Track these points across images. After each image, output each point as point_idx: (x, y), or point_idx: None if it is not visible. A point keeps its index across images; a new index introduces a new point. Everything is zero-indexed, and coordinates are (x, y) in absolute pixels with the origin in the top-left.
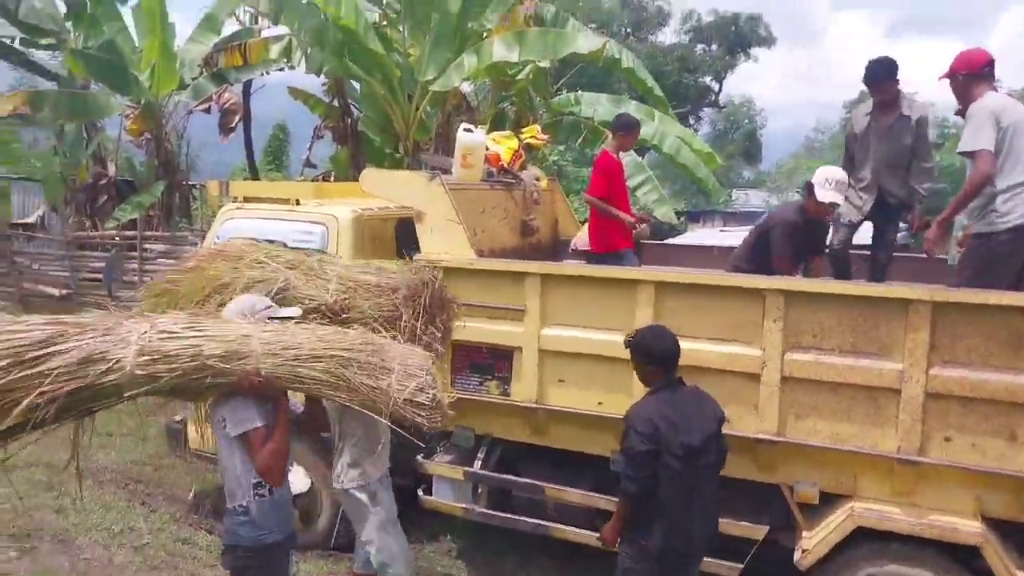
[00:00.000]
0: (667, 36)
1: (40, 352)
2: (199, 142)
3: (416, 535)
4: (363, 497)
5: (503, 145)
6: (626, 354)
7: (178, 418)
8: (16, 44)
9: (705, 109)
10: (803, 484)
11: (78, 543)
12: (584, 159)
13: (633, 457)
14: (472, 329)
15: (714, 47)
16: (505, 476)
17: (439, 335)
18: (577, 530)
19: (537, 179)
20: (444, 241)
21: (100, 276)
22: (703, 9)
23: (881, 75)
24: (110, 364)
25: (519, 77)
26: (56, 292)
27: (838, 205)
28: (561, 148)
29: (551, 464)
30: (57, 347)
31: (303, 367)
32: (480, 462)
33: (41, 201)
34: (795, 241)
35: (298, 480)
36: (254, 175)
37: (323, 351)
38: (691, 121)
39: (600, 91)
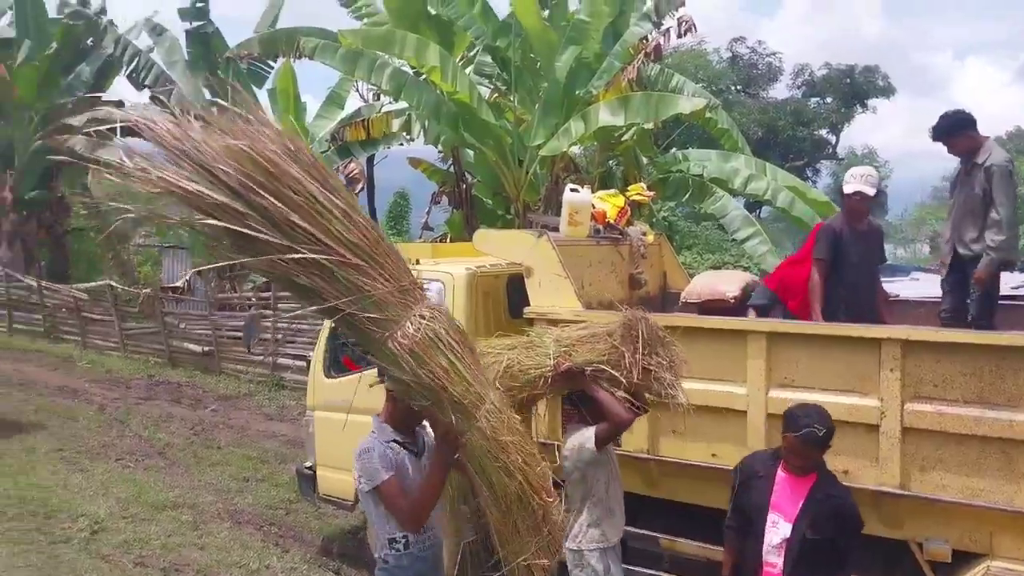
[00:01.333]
0: (779, 91)
1: None
2: None
3: None
4: (598, 564)
5: (609, 203)
6: (739, 404)
7: (308, 464)
8: None
9: (823, 162)
10: (934, 541)
11: None
12: (695, 215)
13: None
14: None
15: (828, 100)
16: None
17: (665, 363)
18: None
19: (643, 234)
20: (552, 295)
21: (239, 334)
22: (815, 63)
23: (945, 129)
24: None
25: (624, 138)
26: (199, 348)
27: (867, 196)
28: (671, 204)
29: (666, 514)
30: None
31: None
32: None
33: (188, 266)
34: (841, 249)
35: None
36: None
37: None
38: (808, 174)
39: (711, 147)
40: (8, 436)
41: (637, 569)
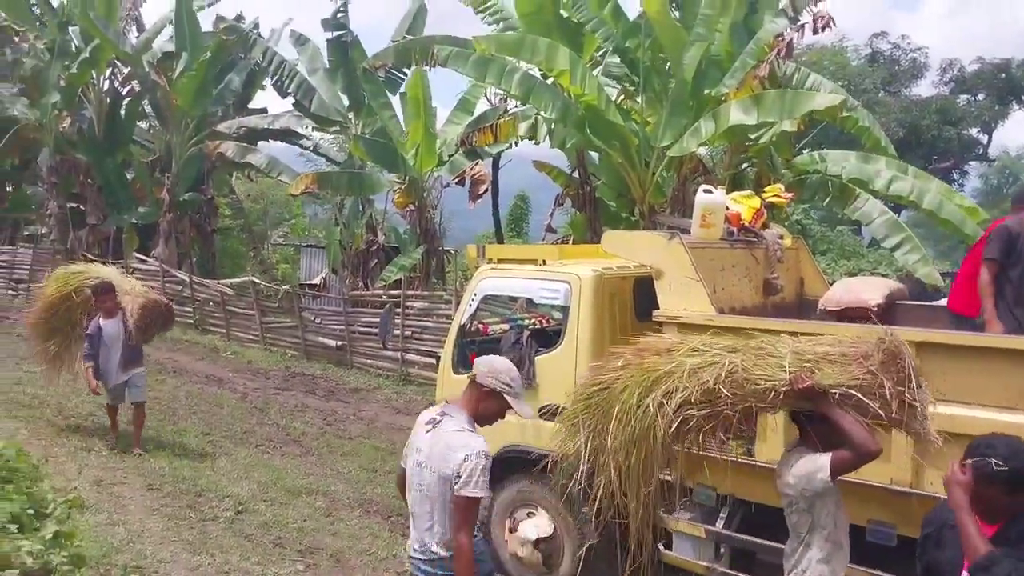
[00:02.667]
0: (923, 88)
1: None
2: (449, 211)
3: None
4: None
5: (744, 204)
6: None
7: None
8: (308, 131)
9: (972, 163)
10: None
11: (351, 563)
12: (830, 219)
13: None
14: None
15: (980, 97)
16: (750, 538)
17: (925, 398)
18: None
19: (780, 237)
20: (683, 298)
21: (370, 330)
22: (966, 58)
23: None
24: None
25: (761, 140)
26: (333, 343)
27: None
28: (806, 207)
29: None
30: None
31: None
32: (723, 521)
33: (324, 265)
34: (1017, 251)
35: (542, 524)
36: (499, 241)
37: None
38: (955, 176)
39: (849, 148)
40: (164, 420)
41: None
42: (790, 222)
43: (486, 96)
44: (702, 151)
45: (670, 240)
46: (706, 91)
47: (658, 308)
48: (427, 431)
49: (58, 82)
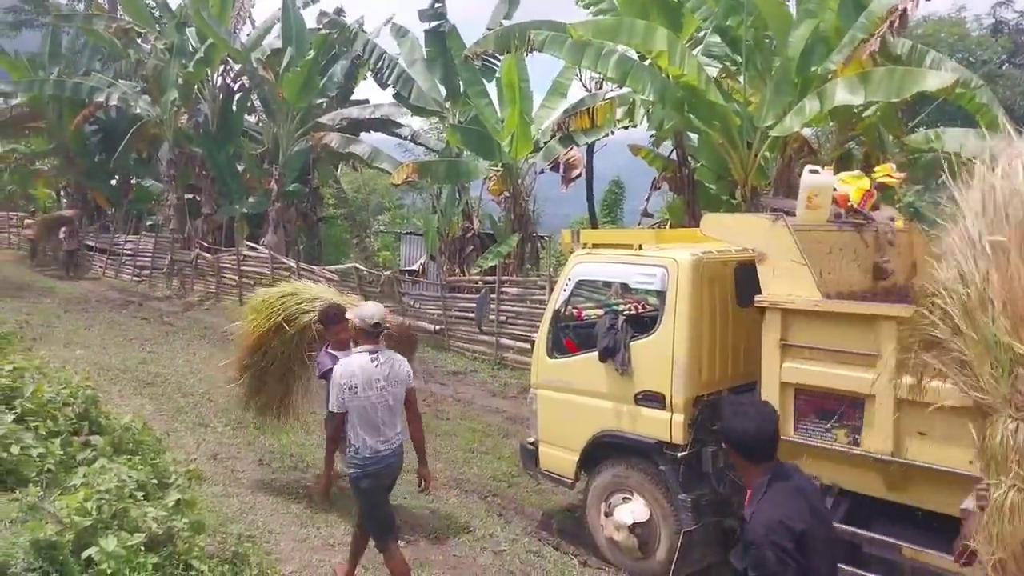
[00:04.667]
0: None
1: None
2: (542, 198)
3: None
4: None
5: (852, 185)
6: None
7: (531, 440)
8: (408, 119)
9: None
10: None
11: (448, 541)
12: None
13: None
14: (818, 374)
15: None
16: (856, 530)
17: None
18: None
19: (891, 219)
20: (788, 283)
21: (466, 314)
22: None
23: None
24: None
25: (866, 115)
26: (431, 327)
27: None
28: (918, 188)
29: (909, 522)
30: None
31: None
32: None
33: (423, 251)
34: None
35: (637, 509)
36: (593, 226)
37: None
38: None
39: (966, 125)
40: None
41: None
42: (902, 204)
43: (580, 80)
44: (807, 131)
45: (774, 222)
46: (812, 68)
47: (760, 293)
48: (375, 364)
49: (176, 80)
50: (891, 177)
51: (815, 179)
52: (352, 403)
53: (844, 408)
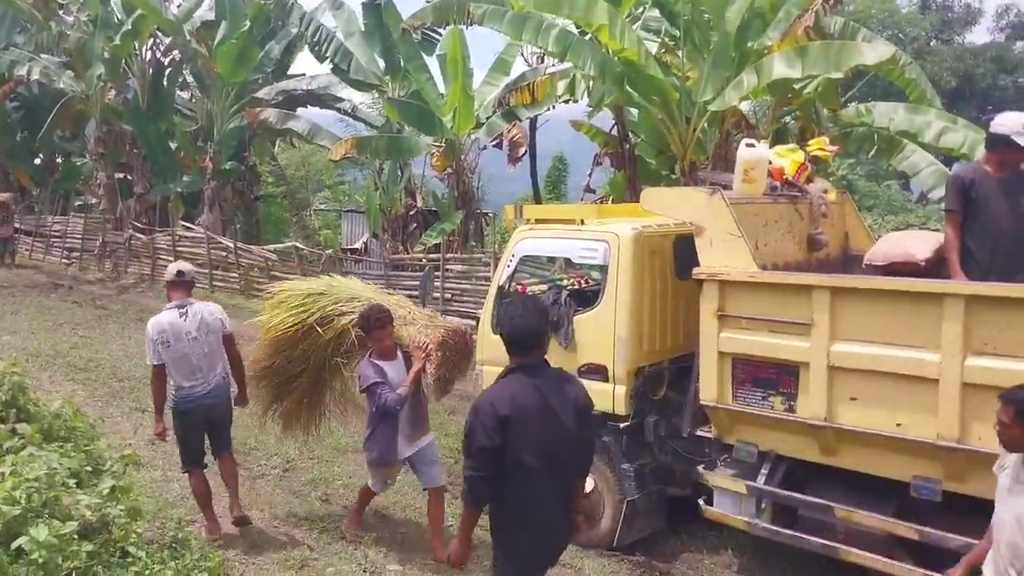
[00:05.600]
0: (978, 35)
1: None
2: (487, 175)
3: (696, 546)
4: None
5: (787, 158)
6: (930, 372)
7: None
8: (347, 95)
9: None
10: None
11: (395, 518)
12: (876, 174)
13: (474, 453)
14: (754, 343)
15: None
16: (792, 493)
17: None
18: (869, 554)
19: (825, 191)
20: (725, 255)
21: (410, 292)
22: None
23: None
24: None
25: (806, 91)
26: None
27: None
28: (851, 162)
29: (841, 484)
30: None
31: None
32: (764, 477)
33: (365, 229)
34: (980, 199)
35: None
36: (537, 203)
37: None
38: None
39: (896, 100)
40: None
41: (809, 538)
42: (835, 177)
43: (522, 55)
44: (745, 105)
45: (711, 196)
46: (749, 44)
47: (699, 266)
48: (183, 317)
49: (102, 54)
50: (824, 150)
51: (751, 153)
52: (166, 355)
53: (780, 376)
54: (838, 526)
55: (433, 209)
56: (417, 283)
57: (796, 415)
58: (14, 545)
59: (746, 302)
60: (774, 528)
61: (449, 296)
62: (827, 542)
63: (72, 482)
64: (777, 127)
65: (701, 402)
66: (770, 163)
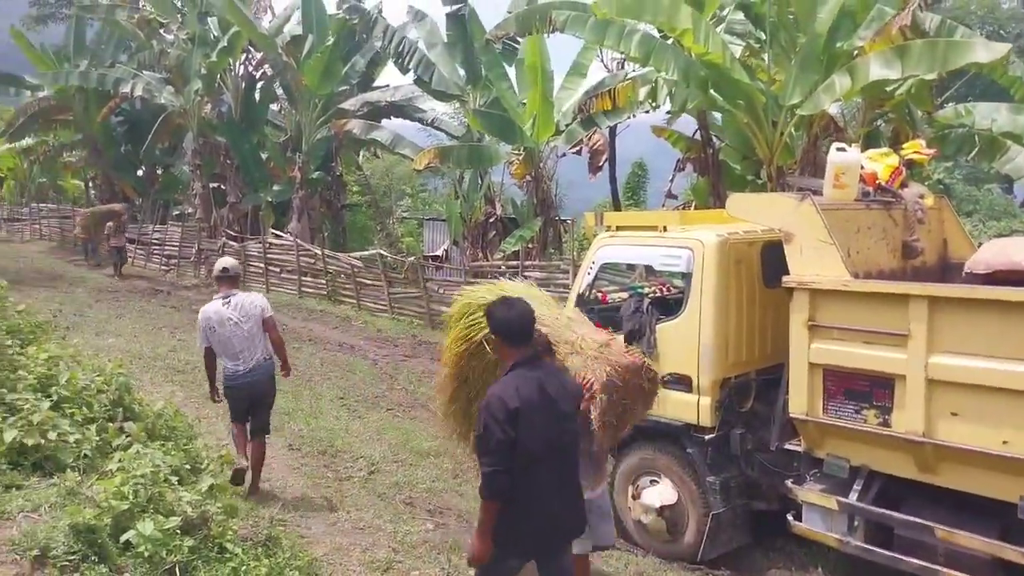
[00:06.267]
0: None
1: None
2: (566, 181)
3: (783, 562)
4: None
5: (880, 163)
6: None
7: None
8: (428, 105)
9: None
10: None
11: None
12: (975, 177)
13: (492, 448)
14: (847, 354)
15: None
16: (888, 512)
17: None
18: None
19: (921, 197)
20: (815, 263)
21: None
22: None
23: None
24: None
25: (898, 93)
26: None
27: None
28: (948, 165)
29: (939, 502)
30: None
31: None
32: (856, 494)
33: (446, 237)
34: None
35: (665, 492)
36: (617, 209)
37: None
38: None
39: (997, 100)
40: (301, 385)
41: (909, 560)
42: (931, 181)
43: (601, 61)
44: (833, 108)
45: (801, 201)
46: (839, 44)
47: (788, 274)
48: (225, 306)
49: (199, 70)
50: (920, 154)
51: (842, 157)
52: (213, 339)
53: (874, 388)
54: (938, 548)
55: (512, 216)
56: None
57: (891, 430)
58: (123, 538)
59: (838, 312)
60: (868, 547)
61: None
62: (926, 564)
63: (174, 479)
64: (868, 130)
65: (790, 415)
66: (862, 167)
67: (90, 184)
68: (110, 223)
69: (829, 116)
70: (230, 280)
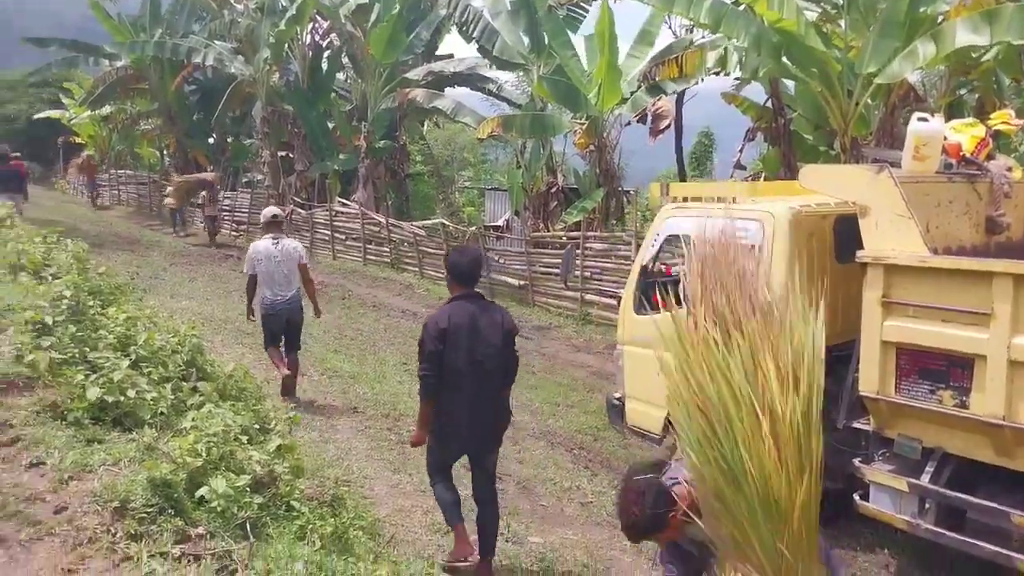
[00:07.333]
0: None
1: None
2: (628, 150)
3: (848, 543)
4: None
5: (965, 133)
6: None
7: (618, 395)
8: (492, 72)
9: None
10: None
11: (536, 491)
12: None
13: (424, 357)
14: (923, 332)
15: None
16: (962, 496)
17: None
18: None
19: (1008, 170)
20: (892, 237)
21: (550, 270)
22: None
23: None
24: None
25: (984, 59)
26: (516, 282)
27: None
28: None
29: (1019, 488)
30: None
31: None
32: (929, 476)
33: (507, 207)
34: None
35: None
36: (682, 180)
37: None
38: None
39: None
40: (366, 349)
41: (982, 545)
42: (1020, 153)
43: (669, 27)
44: (913, 77)
45: (878, 173)
46: (921, 9)
47: (862, 248)
48: (274, 245)
49: (268, 39)
50: (1009, 124)
51: (924, 127)
52: (258, 269)
53: (951, 368)
54: (1013, 533)
55: (574, 187)
56: (557, 261)
57: (969, 412)
58: (197, 494)
59: (915, 288)
60: (940, 531)
61: (589, 274)
62: (1001, 550)
63: (244, 438)
64: (951, 99)
65: (860, 393)
66: (945, 138)
67: (164, 152)
68: (203, 192)
69: (908, 85)
70: (277, 225)
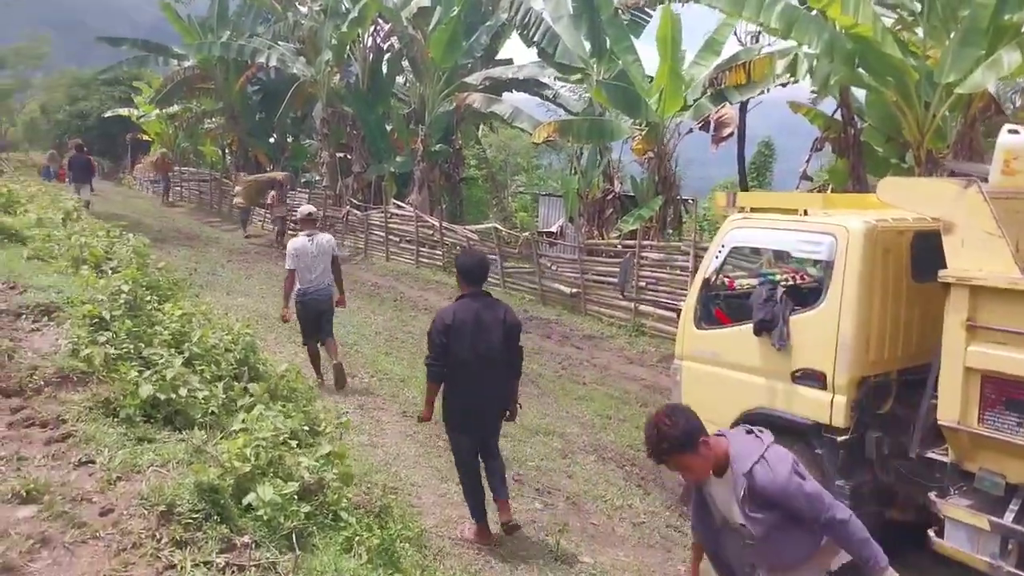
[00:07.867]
0: None
1: None
2: (686, 159)
3: None
4: None
5: None
6: None
7: None
8: (551, 80)
9: None
10: None
11: (586, 508)
12: None
13: (431, 349)
14: (1011, 360)
15: None
16: None
17: None
18: None
19: None
20: (979, 257)
21: (603, 279)
22: None
23: None
24: None
25: None
26: (568, 290)
27: None
28: None
29: None
30: None
31: None
32: (1013, 515)
33: (561, 213)
34: None
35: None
36: (744, 189)
37: None
38: None
39: None
40: (417, 353)
41: None
42: None
43: (736, 35)
44: (991, 87)
45: (966, 188)
46: (1007, 16)
47: (945, 267)
48: (309, 241)
49: (330, 40)
50: None
51: (1014, 140)
52: (296, 263)
53: None
54: None
55: (630, 194)
56: (611, 270)
57: None
58: (244, 501)
59: (1003, 312)
60: (1022, 574)
61: (644, 284)
62: None
63: (293, 442)
64: None
65: (939, 422)
66: None
67: (226, 150)
68: (273, 192)
69: (989, 96)
70: (312, 222)
